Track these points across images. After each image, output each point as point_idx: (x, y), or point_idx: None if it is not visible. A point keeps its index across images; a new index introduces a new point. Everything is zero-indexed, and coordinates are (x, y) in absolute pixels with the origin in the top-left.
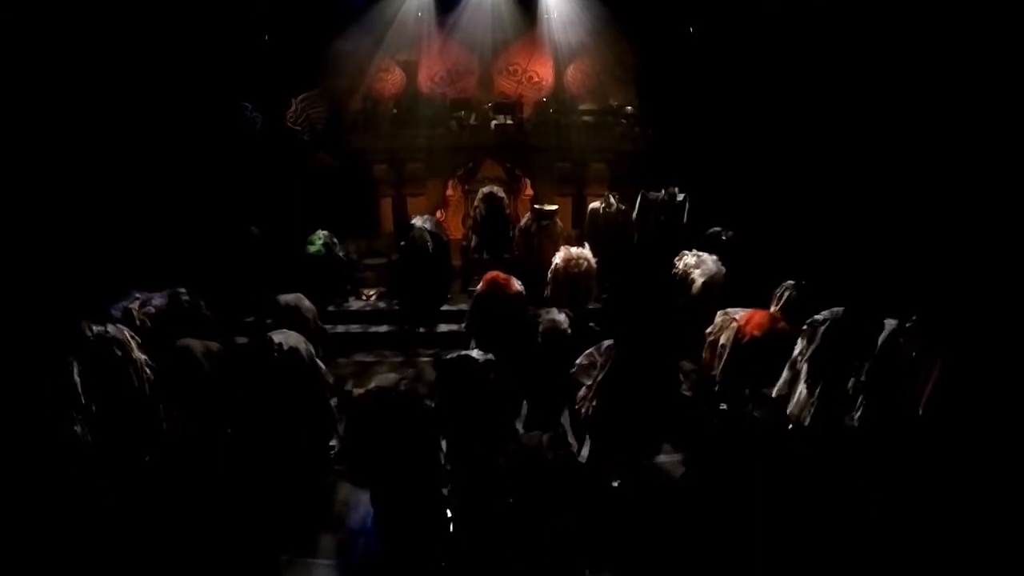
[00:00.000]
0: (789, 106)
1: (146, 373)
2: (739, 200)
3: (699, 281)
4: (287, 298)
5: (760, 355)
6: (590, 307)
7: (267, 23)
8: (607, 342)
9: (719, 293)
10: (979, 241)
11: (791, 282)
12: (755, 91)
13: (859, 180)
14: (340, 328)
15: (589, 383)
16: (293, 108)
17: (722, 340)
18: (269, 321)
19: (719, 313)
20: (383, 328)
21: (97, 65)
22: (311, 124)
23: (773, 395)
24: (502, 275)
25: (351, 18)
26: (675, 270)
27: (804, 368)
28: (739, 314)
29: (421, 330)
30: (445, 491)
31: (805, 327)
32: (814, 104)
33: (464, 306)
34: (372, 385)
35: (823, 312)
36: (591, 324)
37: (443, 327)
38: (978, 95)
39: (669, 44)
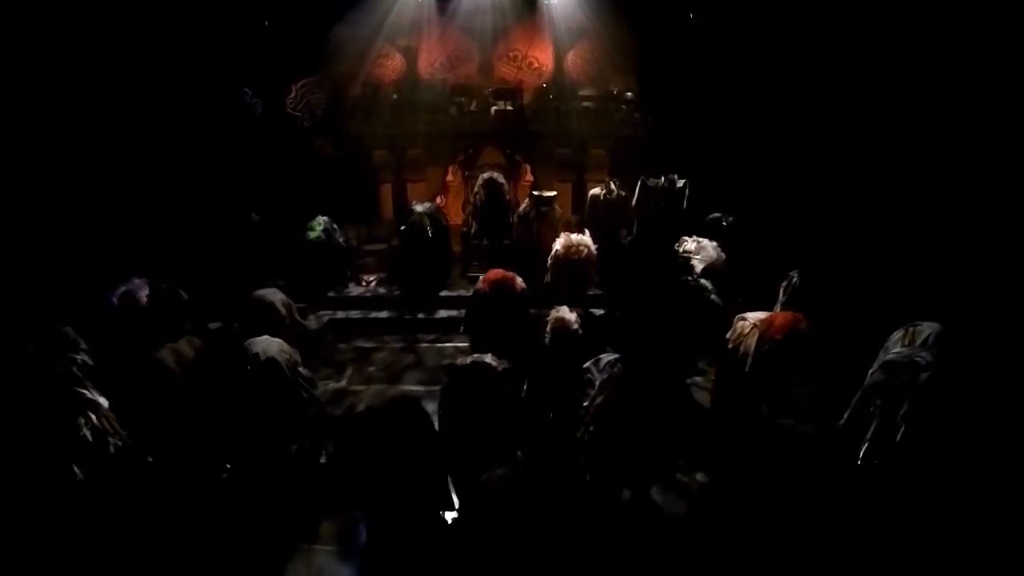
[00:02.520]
0: (789, 92)
1: (100, 423)
2: (739, 186)
3: (699, 267)
4: (260, 294)
5: (785, 359)
6: (590, 293)
7: (267, 9)
8: (607, 357)
9: (719, 279)
10: (984, 229)
11: (796, 271)
12: (755, 77)
13: (859, 166)
14: (340, 314)
15: (586, 404)
16: (293, 94)
17: (742, 348)
18: (236, 324)
19: (736, 318)
20: (383, 314)
21: (97, 52)
22: (311, 110)
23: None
24: (508, 274)
25: (351, 4)
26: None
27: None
28: (758, 318)
29: (421, 316)
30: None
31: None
32: (814, 90)
33: (464, 292)
34: (361, 406)
35: (901, 352)
36: (591, 310)
37: (443, 312)
38: (978, 74)
39: (669, 30)
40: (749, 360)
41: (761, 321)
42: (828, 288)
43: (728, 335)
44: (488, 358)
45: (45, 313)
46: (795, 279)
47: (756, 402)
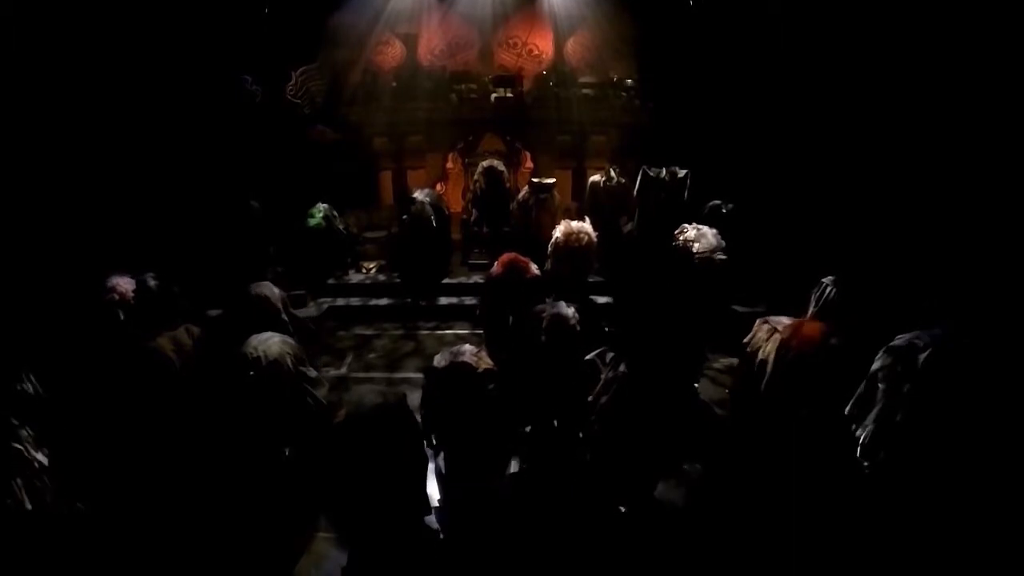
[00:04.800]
0: (789, 79)
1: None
2: (740, 173)
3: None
4: (253, 287)
5: (809, 374)
6: (590, 280)
7: None
8: (611, 352)
9: (719, 266)
10: (985, 223)
11: (830, 278)
12: (755, 64)
13: (861, 154)
14: (340, 301)
15: (591, 399)
16: (293, 81)
17: (761, 356)
18: (232, 311)
19: (758, 321)
20: (383, 301)
21: (96, 40)
22: (311, 97)
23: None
24: (521, 257)
25: None
26: (675, 243)
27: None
28: (781, 323)
29: (421, 303)
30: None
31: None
32: (815, 77)
33: (464, 279)
34: (341, 412)
35: (906, 337)
36: (591, 298)
37: (443, 300)
38: (980, 52)
39: (669, 17)
40: (768, 370)
41: (785, 327)
42: (865, 299)
43: (747, 338)
44: (467, 356)
45: (40, 307)
46: (829, 289)
47: (775, 408)
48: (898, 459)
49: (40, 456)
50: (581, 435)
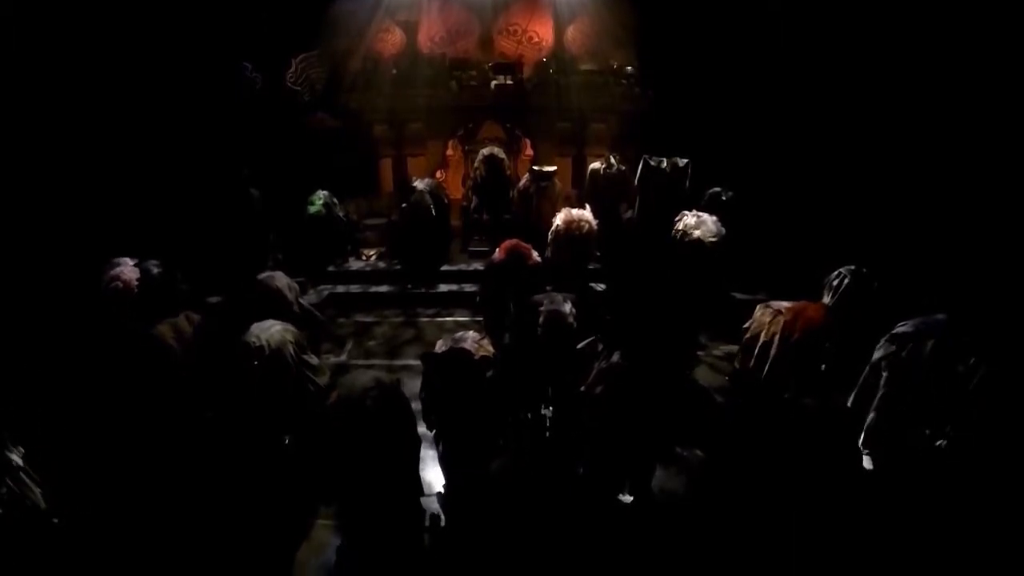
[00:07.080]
0: (790, 67)
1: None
2: (739, 160)
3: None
4: (266, 278)
5: (812, 355)
6: (590, 268)
7: None
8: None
9: (719, 254)
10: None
11: (846, 268)
12: (755, 52)
13: (860, 142)
14: (340, 288)
15: (583, 389)
16: (293, 68)
17: (764, 338)
18: (237, 305)
19: (759, 306)
20: (383, 288)
21: (95, 28)
22: (311, 84)
23: (848, 404)
24: (523, 244)
25: None
26: (674, 231)
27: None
28: (783, 307)
29: (421, 290)
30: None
31: (891, 345)
32: (815, 66)
33: (464, 266)
34: (334, 395)
35: (908, 324)
36: (591, 285)
37: (443, 287)
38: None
39: (669, 4)
40: (772, 352)
41: (787, 310)
42: (879, 290)
43: (747, 323)
44: (468, 344)
45: (40, 296)
46: (847, 279)
47: (777, 390)
48: (901, 447)
49: (15, 456)
50: (576, 426)
